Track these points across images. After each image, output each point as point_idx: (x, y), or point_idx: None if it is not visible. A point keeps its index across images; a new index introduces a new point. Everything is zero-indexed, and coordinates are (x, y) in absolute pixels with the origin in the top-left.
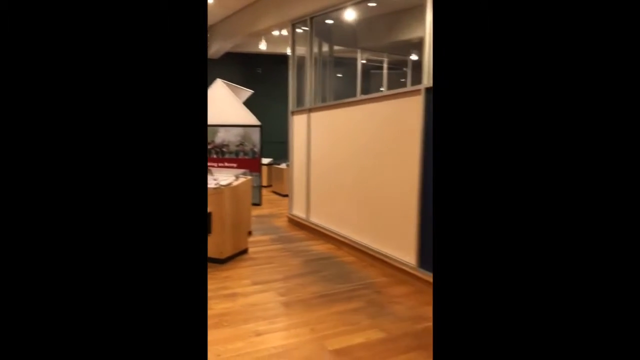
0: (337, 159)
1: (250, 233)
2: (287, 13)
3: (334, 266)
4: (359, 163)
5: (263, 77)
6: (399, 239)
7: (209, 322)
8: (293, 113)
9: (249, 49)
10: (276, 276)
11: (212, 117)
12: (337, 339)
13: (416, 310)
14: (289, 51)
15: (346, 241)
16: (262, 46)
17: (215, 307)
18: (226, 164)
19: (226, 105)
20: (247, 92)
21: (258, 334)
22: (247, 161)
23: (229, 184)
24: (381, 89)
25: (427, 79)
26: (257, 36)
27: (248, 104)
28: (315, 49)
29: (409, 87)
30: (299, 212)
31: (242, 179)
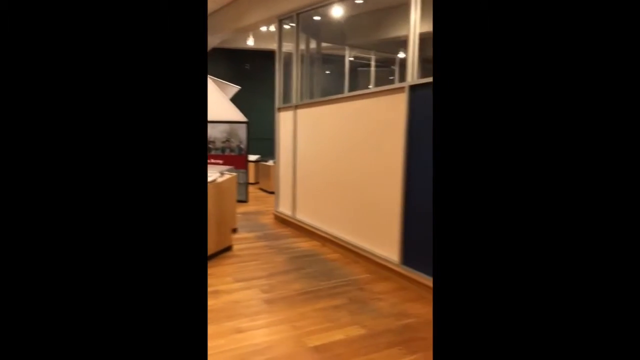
0: (323, 155)
1: (235, 230)
2: (273, 8)
3: (318, 263)
4: (345, 160)
5: (251, 73)
6: (383, 235)
7: None
8: (279, 109)
9: (237, 44)
10: (260, 273)
11: None
12: (317, 335)
13: (398, 307)
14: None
15: (331, 238)
16: (250, 42)
17: None
18: (212, 161)
19: (212, 102)
20: (235, 88)
21: (239, 331)
22: (233, 158)
23: (213, 181)
24: (369, 86)
25: (412, 77)
26: (245, 32)
27: (235, 100)
28: (303, 46)
29: (394, 85)
30: (285, 209)
31: (226, 176)
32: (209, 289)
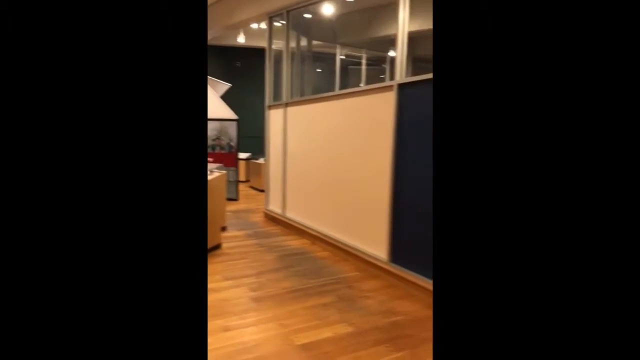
0: (313, 153)
1: (224, 228)
2: (263, 5)
3: (307, 261)
4: (335, 158)
5: (242, 70)
6: (372, 233)
7: None
8: (269, 107)
9: (228, 42)
10: (249, 271)
11: None
12: (305, 333)
13: (386, 305)
14: None
15: (321, 236)
16: (241, 39)
17: None
18: None
19: None
20: (225, 86)
21: (227, 330)
22: (223, 155)
23: None
24: (360, 84)
25: (400, 75)
26: (235, 29)
27: (226, 97)
28: (293, 44)
29: (382, 83)
30: (275, 207)
31: (216, 174)
32: None
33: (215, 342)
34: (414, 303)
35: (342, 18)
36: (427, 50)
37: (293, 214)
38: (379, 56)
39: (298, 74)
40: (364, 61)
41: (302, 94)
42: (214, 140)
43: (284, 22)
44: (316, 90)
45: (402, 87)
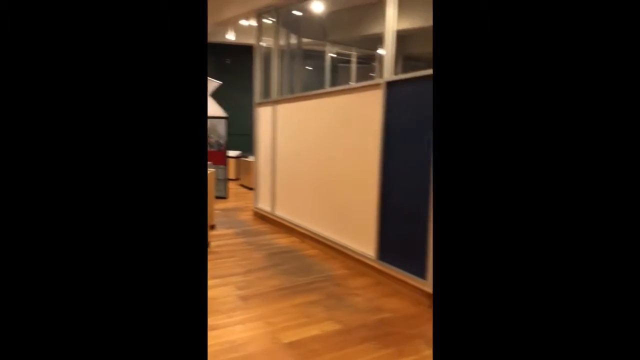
0: (302, 151)
1: (212, 227)
2: (252, 2)
3: (295, 259)
4: (322, 156)
5: (232, 68)
6: (360, 231)
7: None
8: (258, 105)
9: (217, 39)
10: (236, 270)
11: None
12: (292, 331)
13: (374, 302)
14: None
15: (309, 234)
16: (231, 36)
17: None
18: None
19: None
20: (215, 83)
21: (214, 328)
22: (212, 153)
23: None
24: (350, 82)
25: (388, 73)
26: (224, 25)
27: (216, 95)
28: (283, 41)
29: (371, 81)
30: (264, 205)
31: None
32: None
33: None
34: (401, 300)
35: (332, 16)
36: (419, 48)
37: (282, 212)
38: (369, 54)
39: (288, 71)
40: (354, 59)
41: (291, 92)
42: None
43: (273, 20)
44: (306, 88)
45: (390, 85)
